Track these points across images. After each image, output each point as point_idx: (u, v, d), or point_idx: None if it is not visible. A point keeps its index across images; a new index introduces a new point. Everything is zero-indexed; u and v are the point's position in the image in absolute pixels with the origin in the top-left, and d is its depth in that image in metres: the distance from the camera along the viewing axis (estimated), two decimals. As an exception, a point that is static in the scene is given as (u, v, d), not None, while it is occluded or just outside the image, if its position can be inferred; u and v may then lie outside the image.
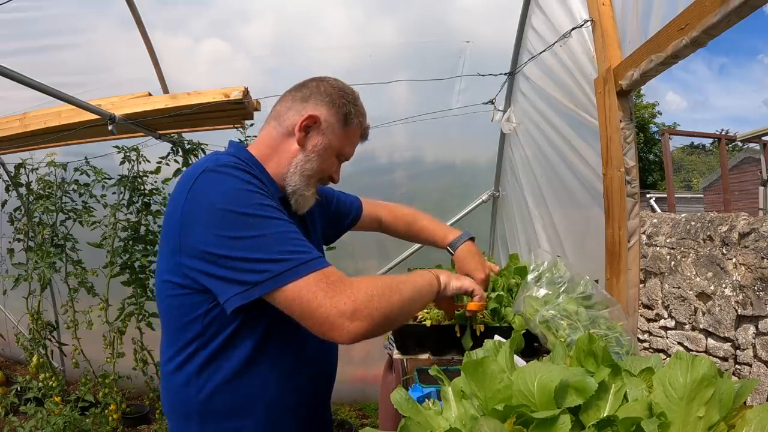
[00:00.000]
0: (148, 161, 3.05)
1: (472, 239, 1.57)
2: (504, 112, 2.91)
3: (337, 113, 1.15)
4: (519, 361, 1.00)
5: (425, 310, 1.87)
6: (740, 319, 1.45)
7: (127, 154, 2.97)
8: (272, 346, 1.05)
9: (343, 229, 1.57)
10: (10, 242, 3.26)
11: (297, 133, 1.12)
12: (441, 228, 1.63)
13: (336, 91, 1.16)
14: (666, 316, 1.76)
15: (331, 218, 1.49)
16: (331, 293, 0.89)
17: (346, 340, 0.91)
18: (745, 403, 0.72)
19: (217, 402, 1.02)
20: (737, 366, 1.45)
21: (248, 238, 0.90)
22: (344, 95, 1.17)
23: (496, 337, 1.14)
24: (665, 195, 8.42)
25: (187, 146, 3.02)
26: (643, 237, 1.86)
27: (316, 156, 1.13)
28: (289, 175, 1.13)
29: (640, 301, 1.86)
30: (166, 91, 3.20)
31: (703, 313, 1.58)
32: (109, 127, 2.41)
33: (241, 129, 2.82)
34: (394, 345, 1.83)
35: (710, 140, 19.64)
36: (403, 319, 1.04)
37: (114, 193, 2.98)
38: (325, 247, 1.51)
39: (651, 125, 24.02)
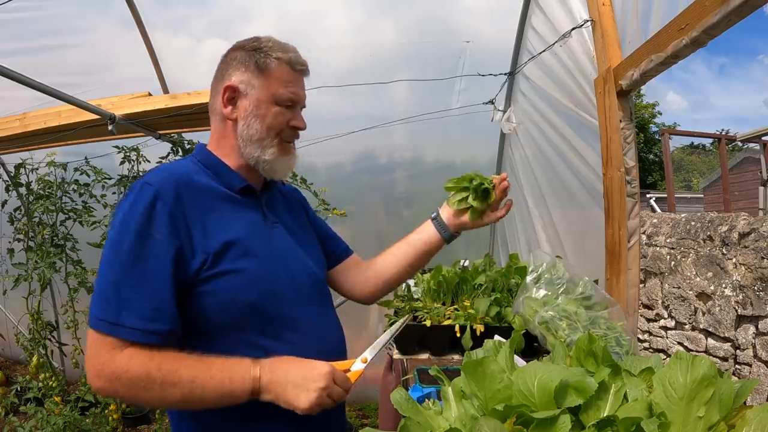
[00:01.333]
0: (148, 161, 3.05)
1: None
2: (504, 112, 2.91)
3: (247, 68, 1.09)
4: (519, 361, 1.00)
5: (425, 310, 1.87)
6: (740, 319, 1.45)
7: (127, 154, 2.97)
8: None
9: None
10: (10, 242, 3.25)
11: (224, 110, 1.10)
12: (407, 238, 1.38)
13: (240, 52, 1.11)
14: (666, 316, 1.76)
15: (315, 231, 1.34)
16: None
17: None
18: (745, 403, 0.72)
19: None
20: (737, 366, 1.45)
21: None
22: (249, 48, 1.10)
23: (496, 337, 1.14)
24: (665, 195, 8.41)
25: (187, 146, 3.02)
26: (643, 237, 1.86)
27: (253, 117, 1.09)
28: (244, 149, 1.10)
29: (640, 301, 1.86)
30: (166, 91, 3.20)
31: (703, 313, 1.58)
32: (109, 127, 2.41)
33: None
34: (394, 345, 1.83)
35: (710, 140, 19.66)
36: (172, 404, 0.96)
37: (114, 193, 2.98)
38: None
39: (651, 125, 24.01)
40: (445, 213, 1.32)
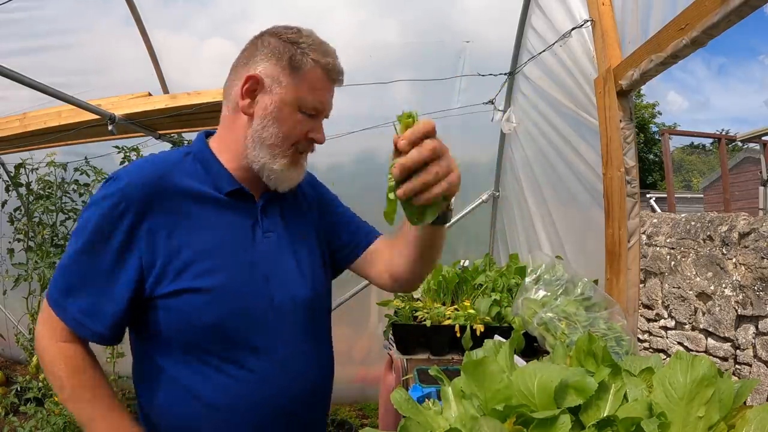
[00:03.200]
0: (148, 161, 3.04)
1: None
2: (504, 112, 2.91)
3: (279, 62, 0.95)
4: (519, 361, 1.00)
5: (425, 310, 1.87)
6: (740, 319, 1.45)
7: (127, 154, 2.97)
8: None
9: (337, 256, 1.19)
10: (10, 242, 3.26)
11: (241, 101, 0.96)
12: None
13: (275, 39, 0.96)
14: (666, 316, 1.76)
15: (324, 231, 1.18)
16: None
17: None
18: (745, 403, 0.72)
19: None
20: (737, 366, 1.45)
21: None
22: (286, 38, 0.96)
23: (496, 337, 1.14)
24: (665, 195, 8.41)
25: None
26: (643, 237, 1.86)
27: (271, 120, 0.95)
28: (250, 151, 0.97)
29: (640, 301, 1.86)
30: (166, 91, 3.20)
31: (703, 313, 1.58)
32: (109, 127, 2.41)
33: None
34: (394, 345, 1.83)
35: (710, 140, 19.66)
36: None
37: (114, 193, 2.98)
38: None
39: (651, 125, 24.01)
40: None
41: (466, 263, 2.23)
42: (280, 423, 0.99)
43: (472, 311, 1.79)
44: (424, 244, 1.01)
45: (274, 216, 1.05)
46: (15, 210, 3.26)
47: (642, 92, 22.26)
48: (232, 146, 1.00)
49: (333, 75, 0.99)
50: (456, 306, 1.92)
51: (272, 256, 1.01)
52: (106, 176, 3.00)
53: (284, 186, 1.02)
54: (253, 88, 0.96)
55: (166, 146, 3.02)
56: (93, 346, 0.96)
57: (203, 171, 0.99)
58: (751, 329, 1.39)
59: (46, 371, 0.93)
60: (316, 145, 1.04)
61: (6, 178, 3.50)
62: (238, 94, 0.97)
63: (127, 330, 0.99)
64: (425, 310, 1.87)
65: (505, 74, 2.87)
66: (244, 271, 0.96)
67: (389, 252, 1.13)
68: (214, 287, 0.92)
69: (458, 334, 1.70)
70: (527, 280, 1.67)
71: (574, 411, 0.70)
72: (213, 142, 1.04)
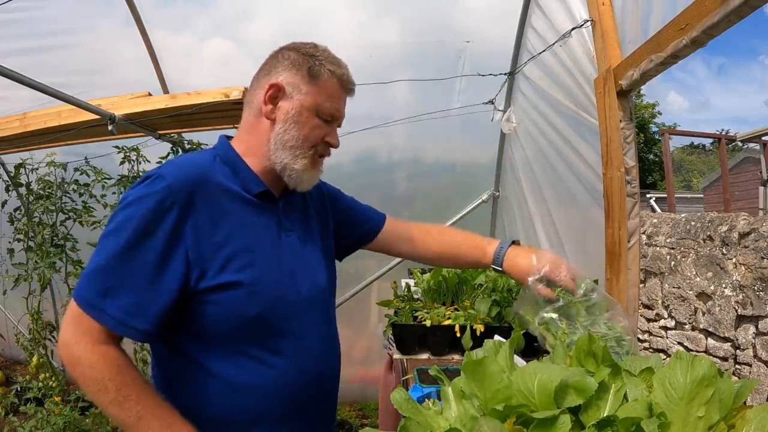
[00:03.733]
0: (148, 161, 3.05)
1: (515, 243, 1.37)
2: (504, 112, 2.91)
3: (299, 72, 1.06)
4: (519, 361, 1.00)
5: (425, 310, 1.87)
6: (740, 319, 1.45)
7: (127, 154, 2.97)
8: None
9: (350, 242, 1.39)
10: (10, 242, 3.26)
11: (264, 107, 1.07)
12: (474, 237, 1.46)
13: (294, 53, 1.08)
14: (666, 316, 1.76)
15: (339, 224, 1.34)
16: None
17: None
18: (745, 403, 0.72)
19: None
20: (737, 366, 1.45)
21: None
22: (304, 52, 1.08)
23: (496, 337, 1.14)
24: (665, 195, 8.42)
25: (187, 146, 3.02)
26: (643, 237, 1.86)
27: (292, 123, 1.06)
28: (273, 153, 1.07)
29: (640, 301, 1.86)
30: (165, 91, 3.20)
31: (703, 313, 1.58)
32: (109, 127, 2.41)
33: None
34: (394, 345, 1.83)
35: (710, 140, 19.66)
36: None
37: (114, 193, 2.98)
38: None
39: (651, 125, 24.02)
40: (511, 260, 1.33)
41: (466, 263, 2.23)
42: (306, 408, 1.08)
43: (472, 311, 1.79)
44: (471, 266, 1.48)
45: (292, 216, 1.15)
46: (15, 210, 3.26)
47: (642, 92, 22.29)
48: (255, 149, 1.09)
49: (347, 85, 1.11)
50: (456, 306, 1.92)
51: (295, 252, 1.10)
52: (107, 176, 3.03)
53: (303, 186, 1.12)
54: (276, 95, 1.06)
55: (166, 146, 3.02)
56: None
57: (231, 173, 1.06)
58: (751, 329, 1.39)
59: (82, 377, 0.91)
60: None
61: (6, 178, 3.51)
62: (261, 101, 1.07)
63: None
64: (425, 310, 1.87)
65: (505, 74, 2.87)
66: (274, 267, 1.04)
67: (416, 241, 1.41)
68: (254, 281, 0.99)
69: (458, 334, 1.70)
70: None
71: (574, 411, 0.70)
72: (236, 146, 1.11)
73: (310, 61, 1.07)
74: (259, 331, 1.00)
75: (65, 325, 0.93)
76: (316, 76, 1.06)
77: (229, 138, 1.15)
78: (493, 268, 1.36)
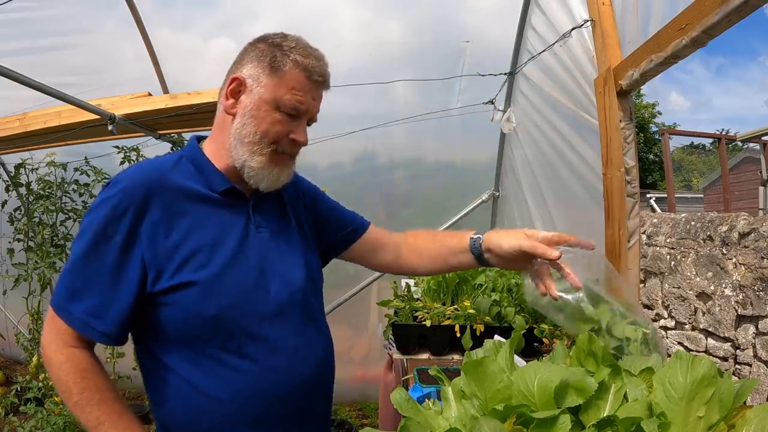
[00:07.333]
0: (148, 161, 3.05)
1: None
2: (504, 112, 2.91)
3: (260, 64, 0.99)
4: (519, 361, 1.00)
5: (425, 310, 1.87)
6: (740, 319, 1.44)
7: (127, 154, 2.97)
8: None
9: (331, 244, 1.26)
10: (10, 242, 3.26)
11: (225, 102, 1.02)
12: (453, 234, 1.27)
13: (262, 44, 1.01)
14: (666, 316, 1.76)
15: (319, 225, 1.24)
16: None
17: None
18: (745, 403, 0.72)
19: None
20: (737, 366, 1.45)
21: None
22: (271, 42, 1.01)
23: (496, 337, 1.14)
24: (665, 195, 8.42)
25: (187, 146, 3.02)
26: (643, 237, 1.86)
27: (249, 118, 0.99)
28: (233, 149, 1.01)
29: (640, 301, 1.86)
30: (166, 91, 3.20)
31: (703, 313, 1.57)
32: (109, 127, 2.41)
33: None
34: (394, 345, 1.83)
35: (710, 140, 19.65)
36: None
37: (114, 193, 2.98)
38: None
39: (651, 125, 24.02)
40: (494, 242, 1.12)
41: (466, 263, 2.23)
42: (287, 411, 1.02)
43: (472, 311, 1.79)
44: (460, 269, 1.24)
45: (265, 213, 1.09)
46: (15, 210, 3.26)
47: (642, 92, 22.28)
48: (221, 147, 1.04)
49: (314, 77, 1.01)
50: (456, 306, 1.92)
51: (265, 249, 1.05)
52: (107, 176, 3.03)
53: (265, 185, 1.03)
54: (237, 89, 1.01)
55: (166, 146, 3.02)
56: (95, 346, 0.97)
57: (196, 172, 1.03)
58: (751, 329, 1.39)
59: (53, 377, 0.93)
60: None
61: (6, 178, 3.51)
62: (224, 95, 1.02)
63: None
64: (425, 310, 1.87)
65: (505, 74, 2.88)
66: (240, 265, 0.99)
67: (402, 251, 1.27)
68: (211, 279, 0.95)
69: (458, 334, 1.70)
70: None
71: (574, 411, 0.70)
72: (206, 144, 1.08)
73: (275, 51, 0.99)
74: (219, 333, 0.96)
75: (45, 326, 0.96)
76: (278, 68, 0.98)
77: (203, 138, 1.12)
78: (472, 249, 1.17)
